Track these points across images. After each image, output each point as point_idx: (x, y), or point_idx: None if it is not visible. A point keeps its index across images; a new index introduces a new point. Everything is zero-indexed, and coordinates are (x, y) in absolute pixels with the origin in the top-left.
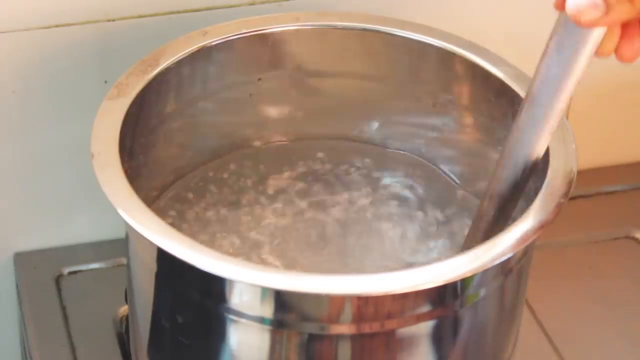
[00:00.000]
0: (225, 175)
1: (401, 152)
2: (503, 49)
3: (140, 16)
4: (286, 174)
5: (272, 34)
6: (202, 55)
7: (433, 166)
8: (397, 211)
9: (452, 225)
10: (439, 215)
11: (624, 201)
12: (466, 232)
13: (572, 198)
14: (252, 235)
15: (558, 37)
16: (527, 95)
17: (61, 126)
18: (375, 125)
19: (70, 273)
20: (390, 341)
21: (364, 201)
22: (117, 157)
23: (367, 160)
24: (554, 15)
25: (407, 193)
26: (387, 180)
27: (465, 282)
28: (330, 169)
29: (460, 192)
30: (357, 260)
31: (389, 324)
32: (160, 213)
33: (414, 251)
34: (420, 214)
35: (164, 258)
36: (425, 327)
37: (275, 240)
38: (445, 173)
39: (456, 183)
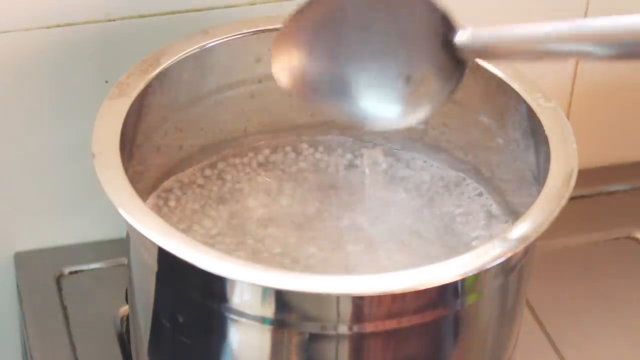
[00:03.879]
0: (226, 175)
1: (402, 151)
2: None
3: (141, 16)
4: (286, 173)
5: (272, 34)
6: (203, 55)
7: (433, 165)
8: (405, 199)
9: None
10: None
11: (624, 201)
12: (461, 228)
13: (572, 198)
14: (256, 233)
15: None
16: None
17: (62, 126)
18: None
19: (71, 273)
20: (391, 341)
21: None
22: (118, 157)
23: (367, 159)
24: (553, 15)
25: (412, 189)
26: (389, 174)
27: (465, 282)
28: (331, 168)
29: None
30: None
31: (389, 324)
32: (161, 212)
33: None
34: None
35: (164, 258)
36: (425, 327)
37: (279, 237)
38: (445, 171)
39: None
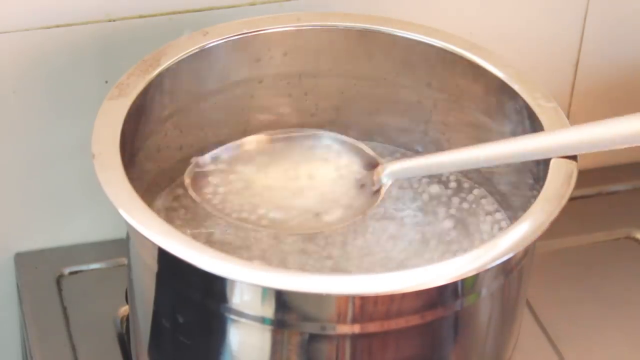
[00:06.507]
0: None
1: (401, 151)
2: (503, 49)
3: (141, 16)
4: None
5: (273, 34)
6: (203, 55)
7: None
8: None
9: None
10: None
11: (624, 201)
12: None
13: (572, 198)
14: (257, 235)
15: None
16: None
17: (62, 126)
18: (375, 125)
19: (71, 273)
20: (390, 341)
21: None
22: (118, 157)
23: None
24: (553, 16)
25: (411, 189)
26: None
27: (465, 282)
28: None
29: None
30: None
31: (389, 324)
32: (161, 212)
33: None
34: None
35: (165, 258)
36: (425, 327)
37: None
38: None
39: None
